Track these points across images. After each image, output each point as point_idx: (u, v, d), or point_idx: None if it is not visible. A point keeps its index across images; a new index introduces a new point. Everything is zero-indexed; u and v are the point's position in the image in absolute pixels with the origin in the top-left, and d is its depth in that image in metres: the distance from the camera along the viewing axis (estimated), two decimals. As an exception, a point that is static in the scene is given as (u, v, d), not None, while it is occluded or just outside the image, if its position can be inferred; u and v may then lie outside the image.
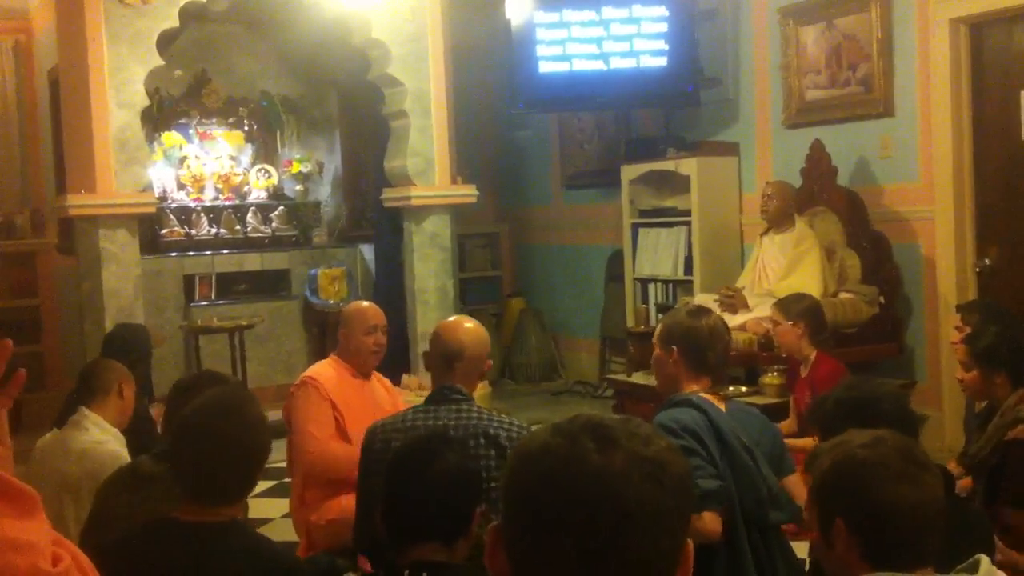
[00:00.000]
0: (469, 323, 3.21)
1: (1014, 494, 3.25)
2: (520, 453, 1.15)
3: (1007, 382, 3.58)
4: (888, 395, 2.76)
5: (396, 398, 4.18)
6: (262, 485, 5.86)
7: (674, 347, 2.91)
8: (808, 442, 4.55)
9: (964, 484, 3.59)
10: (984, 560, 1.77)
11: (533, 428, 1.24)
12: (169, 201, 8.06)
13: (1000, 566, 2.71)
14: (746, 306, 5.70)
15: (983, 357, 3.64)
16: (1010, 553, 2.91)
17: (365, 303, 4.29)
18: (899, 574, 1.77)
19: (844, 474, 1.87)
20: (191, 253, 7.96)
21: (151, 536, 2.24)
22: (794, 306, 4.77)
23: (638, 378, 6.27)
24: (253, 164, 8.51)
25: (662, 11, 6.72)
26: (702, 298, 6.11)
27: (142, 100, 6.31)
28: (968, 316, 4.53)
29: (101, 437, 3.40)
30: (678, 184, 6.93)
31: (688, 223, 6.79)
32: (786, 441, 3.24)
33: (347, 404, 3.86)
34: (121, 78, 6.19)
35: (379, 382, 4.15)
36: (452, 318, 3.43)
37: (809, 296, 5.01)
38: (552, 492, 1.09)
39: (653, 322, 6.64)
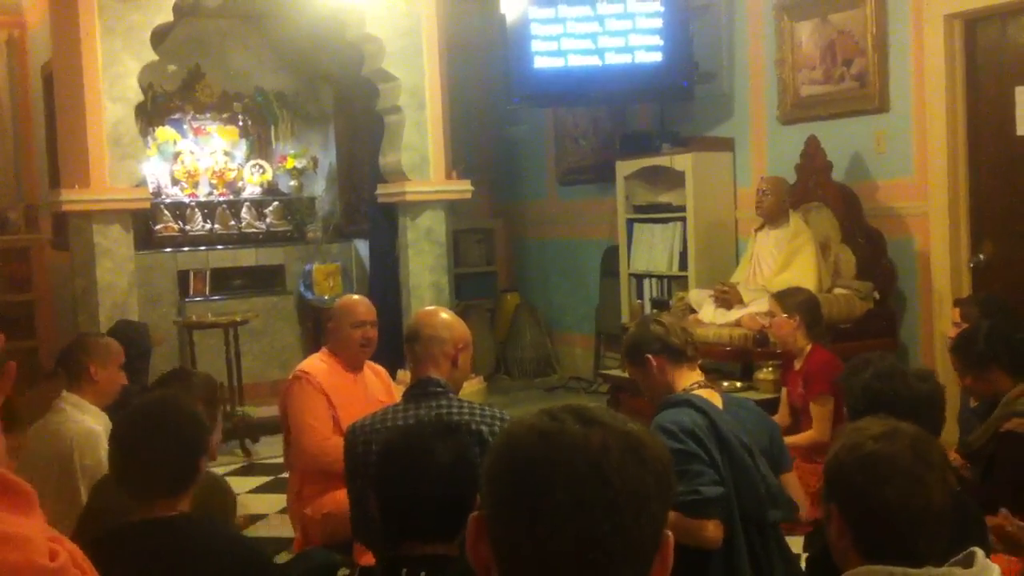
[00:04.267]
0: (445, 313, 3.22)
1: (1004, 483, 3.27)
2: (504, 435, 1.16)
3: (1005, 375, 3.59)
4: (919, 398, 2.71)
5: (391, 387, 4.18)
6: (257, 480, 5.86)
7: (648, 356, 2.97)
8: (805, 436, 4.59)
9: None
10: (979, 554, 1.76)
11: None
12: (163, 196, 8.05)
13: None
14: (741, 301, 5.70)
15: (972, 359, 3.66)
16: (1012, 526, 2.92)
17: (356, 297, 4.31)
18: (891, 566, 1.75)
19: (848, 464, 1.85)
20: (185, 248, 7.95)
21: (106, 544, 2.27)
22: (791, 299, 4.80)
23: (631, 376, 6.27)
24: (247, 159, 8.51)
25: (657, 6, 6.72)
26: (697, 294, 6.12)
27: (136, 95, 6.29)
28: (966, 310, 4.55)
29: (77, 416, 3.46)
30: (673, 179, 6.93)
31: (683, 218, 6.79)
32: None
33: (339, 396, 3.87)
34: (114, 73, 6.17)
35: (372, 371, 4.14)
36: (429, 307, 3.47)
37: (806, 290, 5.02)
38: (535, 465, 1.09)
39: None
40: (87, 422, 3.44)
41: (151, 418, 2.40)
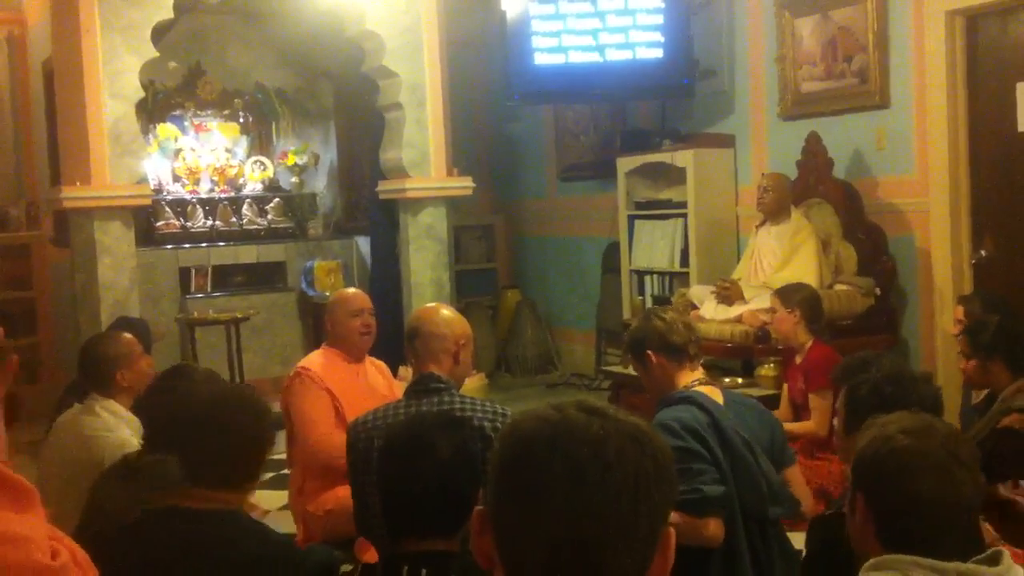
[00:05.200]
0: (446, 309, 3.24)
1: (1003, 480, 3.27)
2: (510, 424, 1.18)
3: (1005, 370, 3.61)
4: (925, 400, 2.68)
5: (392, 381, 4.19)
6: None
7: (648, 351, 2.98)
8: (803, 426, 4.62)
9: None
10: (1005, 554, 1.75)
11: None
12: (164, 193, 8.05)
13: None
14: (742, 298, 5.70)
15: (979, 346, 3.67)
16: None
17: (350, 289, 4.34)
18: (913, 557, 1.74)
19: (881, 456, 1.85)
20: (187, 245, 7.96)
21: (151, 523, 2.26)
22: (793, 295, 4.82)
23: (633, 370, 6.27)
24: (248, 156, 8.51)
25: (658, 2, 6.71)
26: (698, 290, 6.12)
27: (136, 92, 6.29)
28: (969, 307, 4.56)
29: (112, 424, 3.40)
30: (674, 176, 6.93)
31: (684, 215, 6.79)
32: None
33: (343, 390, 3.87)
34: (115, 69, 6.17)
35: (373, 366, 4.15)
36: (430, 304, 3.50)
37: (808, 286, 5.05)
38: (536, 449, 1.11)
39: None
40: (123, 433, 3.35)
41: (227, 409, 2.38)
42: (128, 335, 3.74)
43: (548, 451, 1.10)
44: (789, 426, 4.31)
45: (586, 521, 1.08)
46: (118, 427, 3.38)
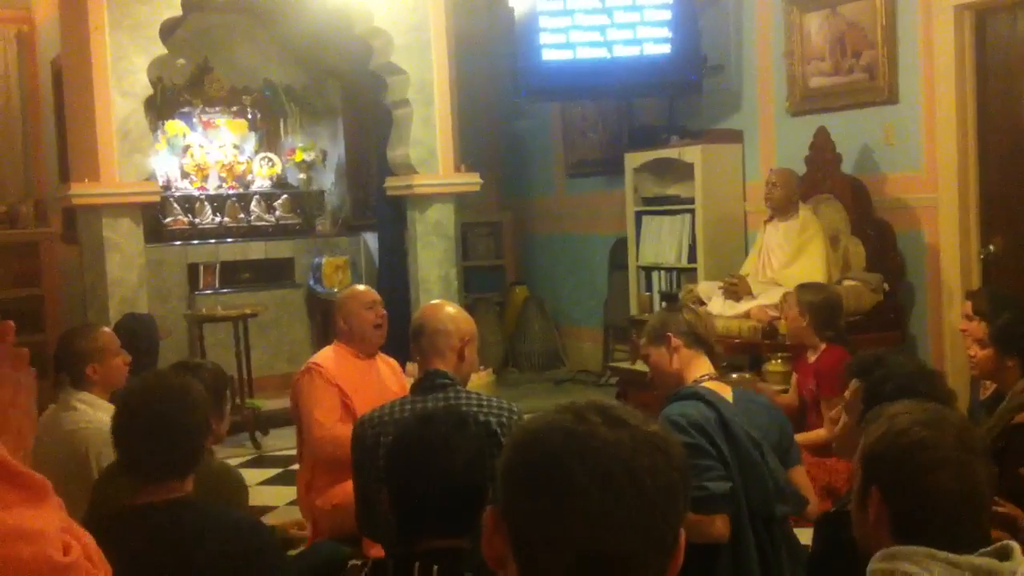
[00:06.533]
0: (450, 306, 3.25)
1: (1017, 477, 3.26)
2: (523, 431, 1.15)
3: (1018, 367, 3.58)
4: (942, 396, 2.65)
5: (403, 378, 4.19)
6: (267, 472, 5.88)
7: (670, 334, 2.98)
8: (816, 435, 4.55)
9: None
10: (1016, 548, 1.73)
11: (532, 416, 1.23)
12: (173, 190, 8.07)
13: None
14: (750, 294, 5.69)
15: (1001, 338, 3.64)
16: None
17: (359, 286, 4.35)
18: (932, 549, 1.71)
19: (894, 447, 1.82)
20: (195, 242, 7.97)
21: (110, 526, 2.28)
22: (804, 296, 4.76)
23: (641, 366, 6.26)
24: (256, 153, 8.51)
25: (665, -2, 6.71)
26: (706, 286, 6.11)
27: (145, 89, 6.30)
28: (978, 303, 4.52)
29: (90, 415, 3.40)
30: (682, 172, 6.92)
31: (692, 211, 6.78)
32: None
33: (354, 387, 3.88)
34: (124, 67, 6.19)
35: (383, 362, 4.16)
36: (435, 301, 3.50)
37: (828, 291, 4.94)
38: (565, 464, 1.09)
39: (656, 310, 6.63)
40: (103, 420, 3.39)
41: (156, 399, 2.40)
42: (107, 330, 3.72)
43: (579, 468, 1.08)
44: (800, 437, 4.26)
45: (620, 535, 1.07)
46: (96, 416, 3.38)
